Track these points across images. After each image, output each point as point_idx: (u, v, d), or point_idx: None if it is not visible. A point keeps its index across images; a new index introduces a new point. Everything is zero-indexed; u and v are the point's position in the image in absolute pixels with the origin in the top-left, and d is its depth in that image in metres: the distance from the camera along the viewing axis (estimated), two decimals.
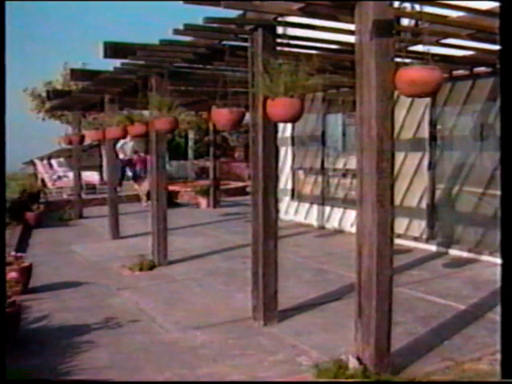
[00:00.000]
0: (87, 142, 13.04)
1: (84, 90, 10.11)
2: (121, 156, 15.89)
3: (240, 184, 17.35)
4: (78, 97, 11.00)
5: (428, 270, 7.04)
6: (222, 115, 5.01)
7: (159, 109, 6.34)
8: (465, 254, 7.74)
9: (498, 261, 7.52)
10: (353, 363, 3.85)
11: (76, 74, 9.33)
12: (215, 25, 5.16)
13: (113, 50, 6.29)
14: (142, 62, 6.83)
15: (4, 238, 4.77)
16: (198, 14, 4.69)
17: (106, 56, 6.33)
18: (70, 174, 14.68)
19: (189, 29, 5.15)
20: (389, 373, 3.86)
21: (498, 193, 7.67)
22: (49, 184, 16.31)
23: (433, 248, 8.22)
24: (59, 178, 16.53)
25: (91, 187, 15.86)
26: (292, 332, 4.91)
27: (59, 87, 18.91)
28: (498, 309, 5.30)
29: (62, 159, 17.96)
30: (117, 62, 6.93)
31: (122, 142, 14.89)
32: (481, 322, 5.04)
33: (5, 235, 4.80)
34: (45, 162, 17.92)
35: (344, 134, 10.38)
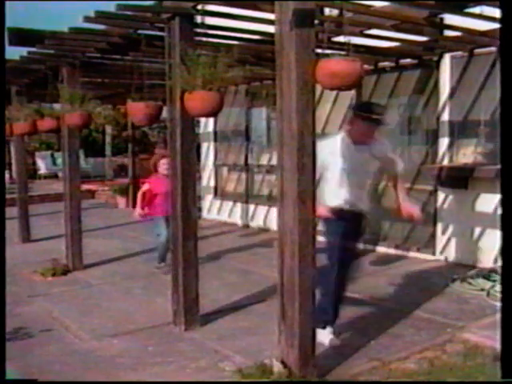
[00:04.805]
0: None
1: None
2: None
3: None
4: None
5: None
6: (137, 109, 4.75)
7: (71, 102, 5.95)
8: (392, 251, 7.72)
9: (426, 257, 7.60)
10: (277, 367, 3.73)
11: None
12: (129, 12, 4.88)
13: (18, 37, 5.75)
14: (51, 51, 6.39)
15: (4, 235, 4.47)
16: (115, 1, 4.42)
17: (11, 43, 5.83)
18: None
19: (100, 16, 4.87)
20: (315, 376, 3.76)
21: (425, 187, 7.74)
22: None
23: (359, 245, 8.14)
24: None
25: None
26: (215, 337, 4.75)
27: None
28: (426, 306, 5.36)
29: None
30: (24, 51, 6.47)
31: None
32: (408, 320, 5.02)
33: (5, 232, 4.49)
34: None
35: (269, 129, 10.18)
